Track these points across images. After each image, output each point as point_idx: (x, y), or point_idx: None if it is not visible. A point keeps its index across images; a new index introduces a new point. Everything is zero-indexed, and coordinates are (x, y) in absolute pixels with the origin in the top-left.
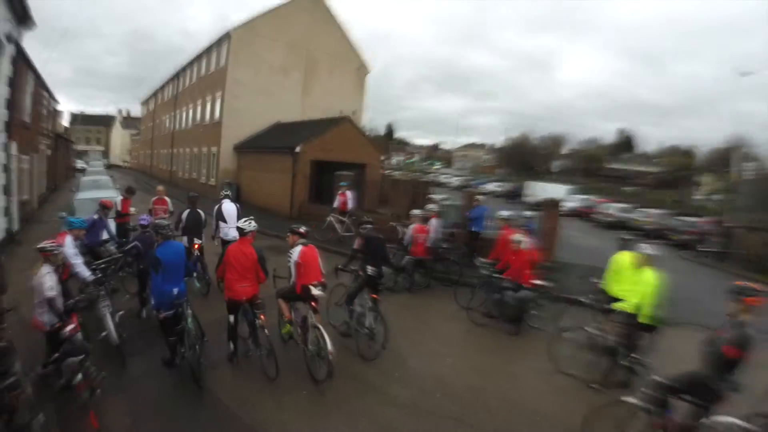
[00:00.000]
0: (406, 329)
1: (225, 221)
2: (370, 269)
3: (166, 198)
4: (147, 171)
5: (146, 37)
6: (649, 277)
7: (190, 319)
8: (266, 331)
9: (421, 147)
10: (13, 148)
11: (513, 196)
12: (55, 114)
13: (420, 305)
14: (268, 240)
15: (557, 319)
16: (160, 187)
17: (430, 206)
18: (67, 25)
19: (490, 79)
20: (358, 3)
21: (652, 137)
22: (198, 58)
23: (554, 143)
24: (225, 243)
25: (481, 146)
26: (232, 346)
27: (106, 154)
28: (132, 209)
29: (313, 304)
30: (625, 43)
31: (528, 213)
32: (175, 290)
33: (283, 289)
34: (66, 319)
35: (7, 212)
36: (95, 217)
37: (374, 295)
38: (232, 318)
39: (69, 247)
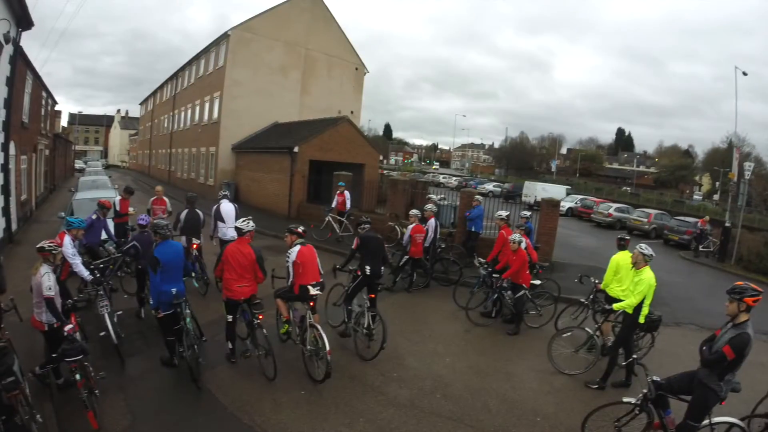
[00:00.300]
0: (404, 329)
1: (223, 221)
2: (368, 269)
3: (165, 198)
4: (145, 171)
5: (145, 37)
6: (648, 277)
7: (188, 319)
8: (264, 331)
9: (419, 147)
10: (12, 147)
11: (511, 196)
12: (54, 114)
13: (418, 305)
14: (267, 240)
15: (556, 320)
16: (159, 187)
17: (428, 206)
18: (66, 24)
19: (489, 79)
20: (356, 3)
21: (651, 137)
22: (196, 58)
23: (553, 143)
24: (223, 243)
25: (480, 146)
26: (230, 345)
27: (104, 154)
28: (131, 209)
29: (311, 303)
30: (625, 43)
31: (526, 213)
32: (174, 290)
33: (282, 289)
34: (64, 318)
35: (6, 212)
36: (94, 217)
37: (372, 295)
38: (230, 318)
39: (68, 247)
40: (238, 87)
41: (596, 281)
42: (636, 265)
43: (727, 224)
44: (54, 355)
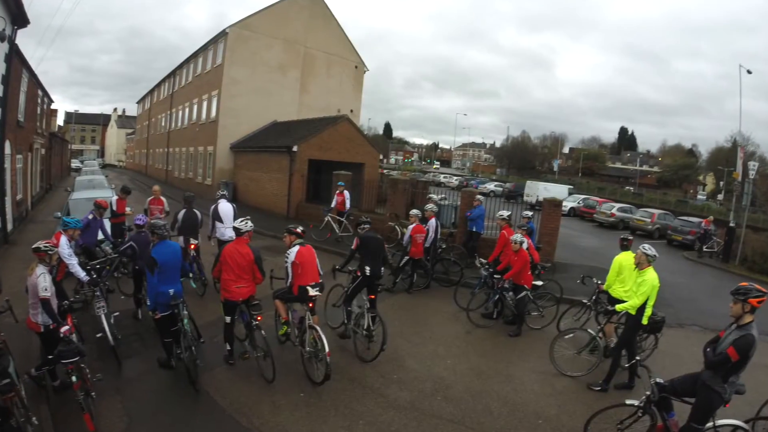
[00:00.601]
0: (404, 331)
1: (221, 221)
2: (368, 270)
3: (162, 198)
4: (143, 171)
5: (142, 34)
6: (651, 278)
7: (186, 320)
8: (263, 332)
9: (419, 146)
10: (7, 147)
11: (513, 196)
12: (50, 113)
13: (419, 306)
14: (265, 240)
15: (558, 321)
16: (156, 187)
17: (429, 206)
18: (62, 22)
19: (491, 77)
20: (356, 0)
21: (655, 136)
22: (194, 56)
23: (555, 142)
24: (221, 243)
25: (481, 145)
26: (228, 347)
27: (101, 153)
28: (128, 209)
29: (310, 304)
30: (627, 41)
31: (528, 213)
32: (171, 291)
33: (280, 290)
34: (60, 320)
35: (1, 212)
36: (90, 217)
37: (372, 296)
38: (228, 319)
39: (64, 247)
40: (236, 85)
41: (599, 282)
42: (639, 265)
43: (731, 224)
44: (50, 357)
